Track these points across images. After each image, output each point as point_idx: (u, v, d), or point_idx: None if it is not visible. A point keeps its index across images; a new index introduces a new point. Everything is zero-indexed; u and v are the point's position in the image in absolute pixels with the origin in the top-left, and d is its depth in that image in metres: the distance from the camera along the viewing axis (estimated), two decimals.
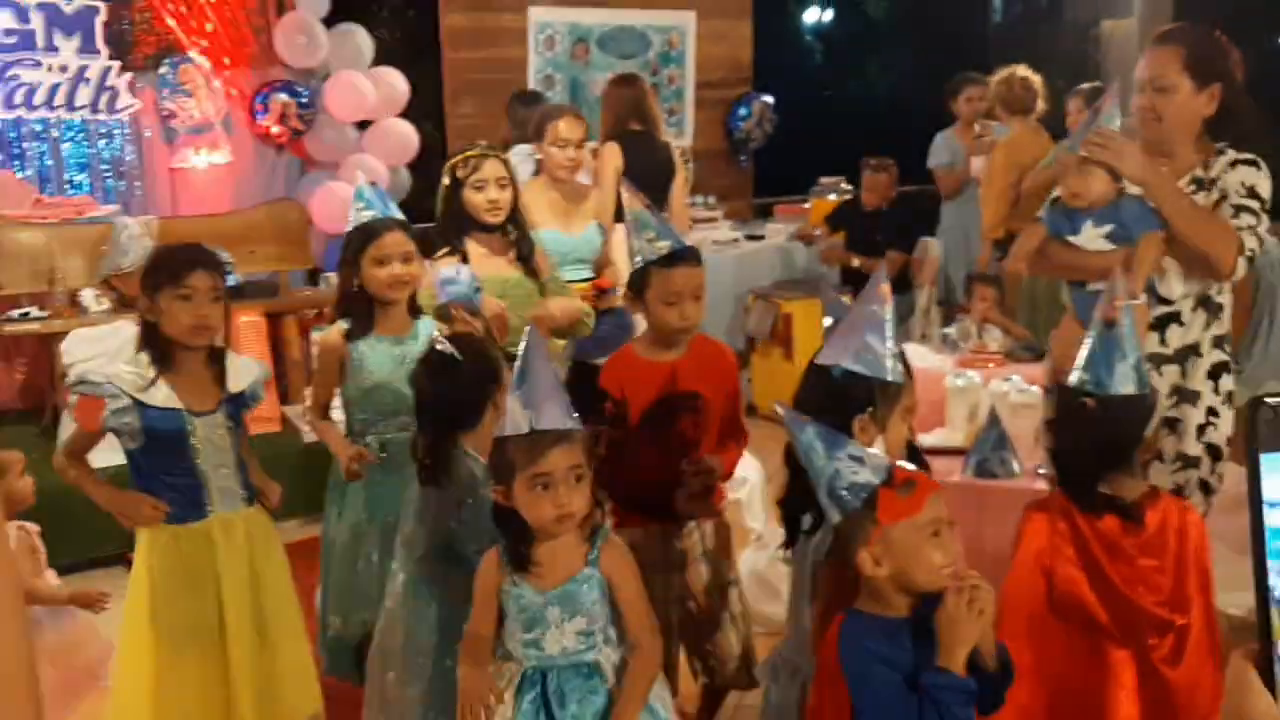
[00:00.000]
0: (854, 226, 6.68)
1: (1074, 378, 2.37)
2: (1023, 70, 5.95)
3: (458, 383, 2.61)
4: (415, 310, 3.23)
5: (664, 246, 2.82)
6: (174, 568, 2.76)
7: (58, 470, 2.84)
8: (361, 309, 3.14)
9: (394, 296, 3.14)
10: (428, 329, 3.13)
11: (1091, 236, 2.96)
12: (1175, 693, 2.34)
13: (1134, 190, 2.96)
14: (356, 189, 3.24)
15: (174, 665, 2.74)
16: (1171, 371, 3.04)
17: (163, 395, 2.71)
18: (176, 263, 2.73)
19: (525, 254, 3.67)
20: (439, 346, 2.66)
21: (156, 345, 2.74)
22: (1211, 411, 3.04)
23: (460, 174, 3.58)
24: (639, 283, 2.85)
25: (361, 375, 3.11)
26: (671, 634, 2.88)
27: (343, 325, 3.17)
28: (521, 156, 4.89)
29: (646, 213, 2.88)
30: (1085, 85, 5.97)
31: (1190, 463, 3.04)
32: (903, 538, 1.90)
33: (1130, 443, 2.37)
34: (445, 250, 3.54)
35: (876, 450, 1.98)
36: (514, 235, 3.65)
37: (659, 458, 2.83)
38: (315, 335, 5.77)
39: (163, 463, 2.75)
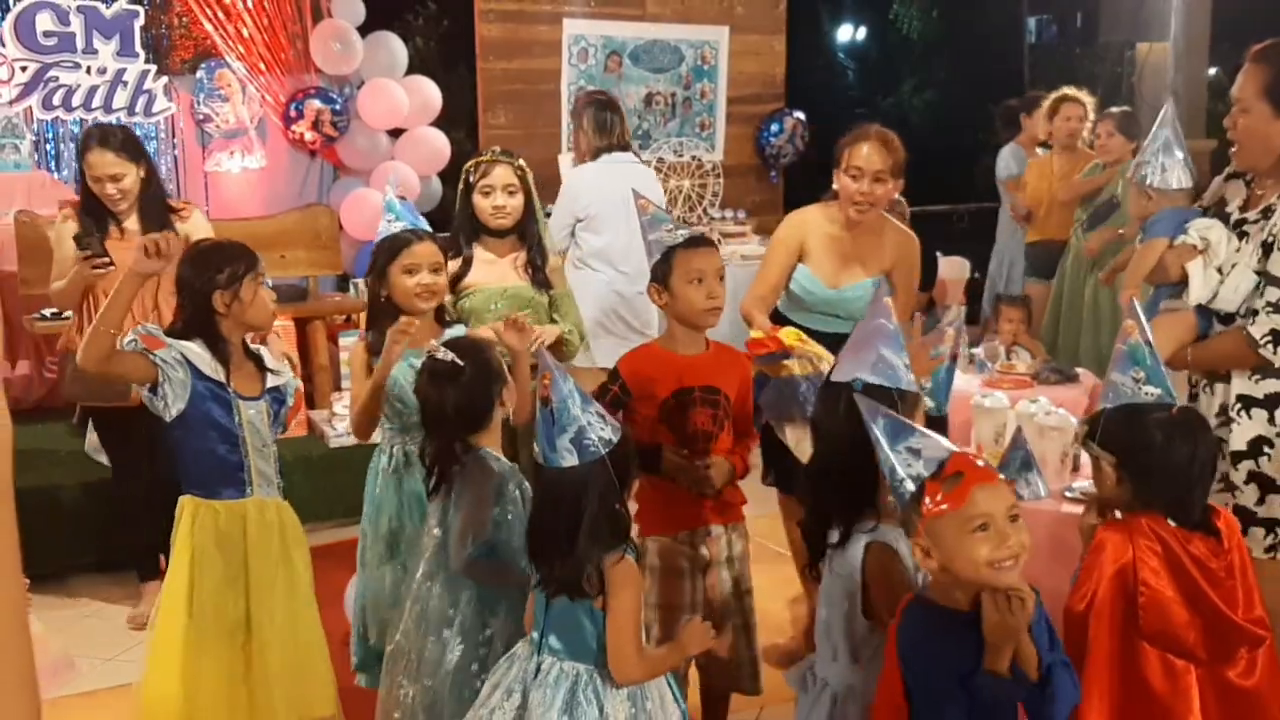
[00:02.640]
0: None
1: None
2: None
3: (464, 388, 2.63)
4: (443, 320, 3.24)
5: (683, 234, 2.91)
6: (210, 540, 2.80)
7: (87, 364, 2.70)
8: (389, 321, 3.10)
9: (421, 306, 3.12)
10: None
11: None
12: (1254, 703, 2.35)
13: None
14: (386, 201, 3.25)
15: (205, 643, 2.77)
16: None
17: (222, 374, 2.80)
18: (247, 257, 2.83)
19: (537, 265, 3.66)
20: (438, 355, 2.67)
21: (208, 337, 2.81)
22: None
23: (472, 178, 3.61)
24: (662, 270, 2.89)
25: (387, 388, 3.09)
26: None
27: (366, 338, 3.18)
28: (608, 164, 4.74)
29: (661, 210, 2.98)
30: (1115, 109, 5.98)
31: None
32: (944, 531, 1.95)
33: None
34: (451, 255, 3.53)
35: (943, 441, 2.04)
36: (526, 244, 3.66)
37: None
38: (344, 341, 5.81)
39: (211, 434, 2.79)
